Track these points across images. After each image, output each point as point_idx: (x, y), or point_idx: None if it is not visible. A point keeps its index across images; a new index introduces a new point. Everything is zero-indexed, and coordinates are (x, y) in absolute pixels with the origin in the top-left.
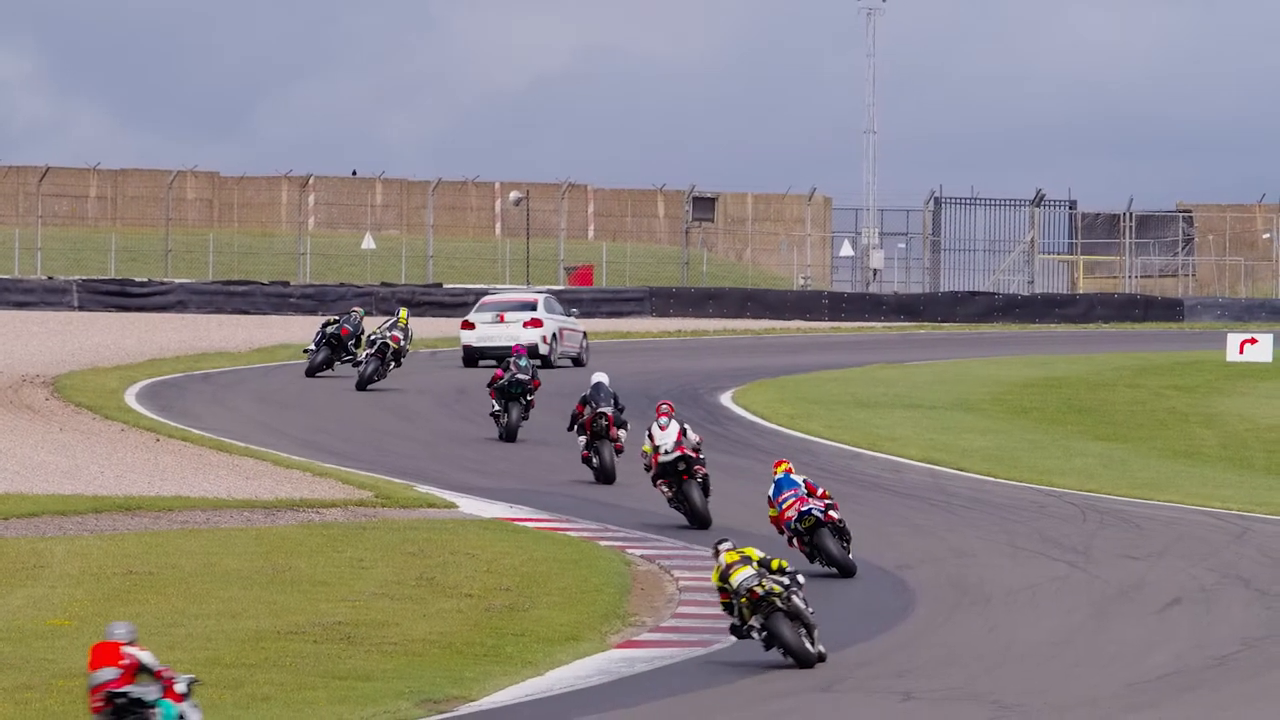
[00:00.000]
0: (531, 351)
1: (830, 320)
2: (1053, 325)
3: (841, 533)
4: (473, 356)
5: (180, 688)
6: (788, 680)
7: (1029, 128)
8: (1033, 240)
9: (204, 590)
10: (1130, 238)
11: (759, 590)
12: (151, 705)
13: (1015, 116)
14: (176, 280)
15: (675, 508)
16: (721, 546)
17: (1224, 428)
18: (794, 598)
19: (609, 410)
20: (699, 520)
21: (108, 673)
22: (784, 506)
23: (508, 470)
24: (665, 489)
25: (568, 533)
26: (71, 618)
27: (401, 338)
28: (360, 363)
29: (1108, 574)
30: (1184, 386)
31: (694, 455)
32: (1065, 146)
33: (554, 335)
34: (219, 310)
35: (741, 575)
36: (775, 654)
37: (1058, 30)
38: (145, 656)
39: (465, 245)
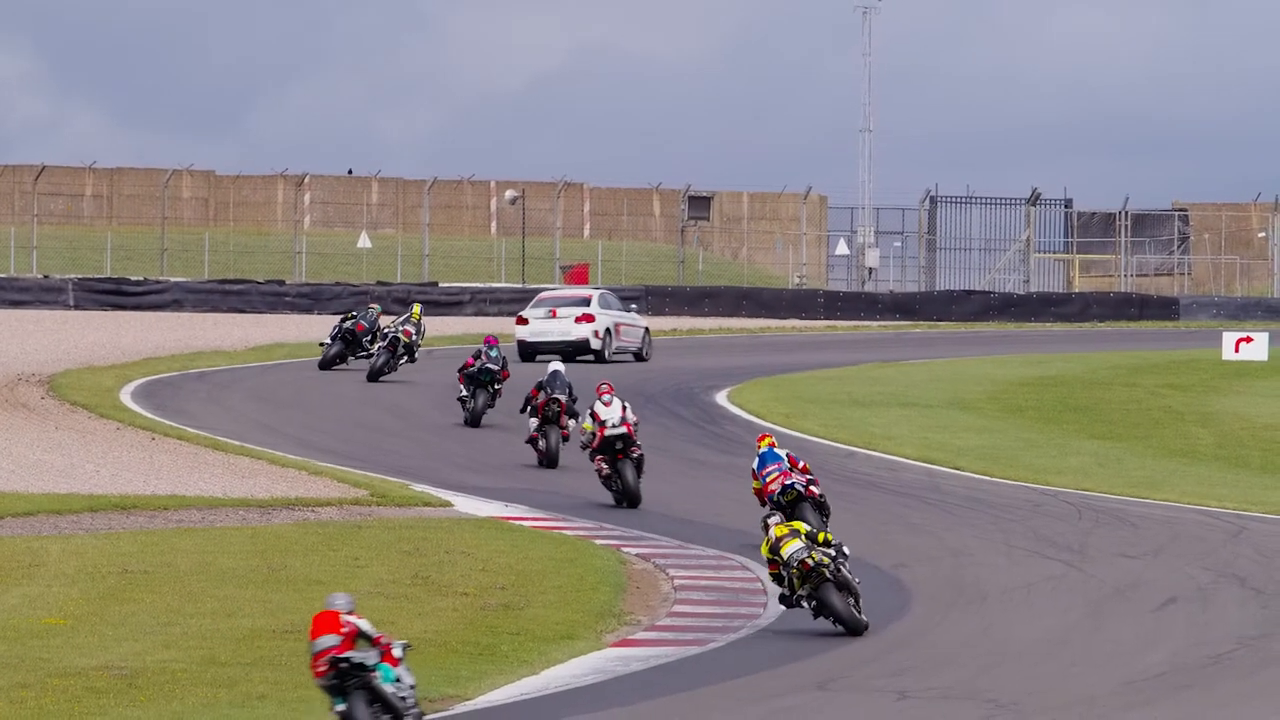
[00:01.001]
0: (582, 346)
1: (826, 319)
2: (1048, 324)
3: (821, 507)
4: (527, 351)
5: (397, 652)
6: (783, 679)
7: (1025, 127)
8: (1028, 239)
9: (199, 589)
10: (1126, 236)
11: (810, 562)
12: (372, 669)
13: (1011, 115)
14: (172, 279)
15: (607, 485)
16: (770, 521)
17: (1220, 426)
18: (841, 569)
19: (563, 398)
20: (630, 498)
21: (329, 639)
22: (768, 480)
23: (503, 469)
24: (603, 465)
25: (563, 531)
26: (67, 617)
27: (414, 332)
28: (372, 355)
29: (1103, 573)
30: (1180, 385)
31: (631, 434)
32: (1061, 145)
33: (608, 330)
34: (215, 309)
35: (792, 548)
36: (825, 623)
37: (1054, 29)
38: (363, 624)
39: (461, 244)
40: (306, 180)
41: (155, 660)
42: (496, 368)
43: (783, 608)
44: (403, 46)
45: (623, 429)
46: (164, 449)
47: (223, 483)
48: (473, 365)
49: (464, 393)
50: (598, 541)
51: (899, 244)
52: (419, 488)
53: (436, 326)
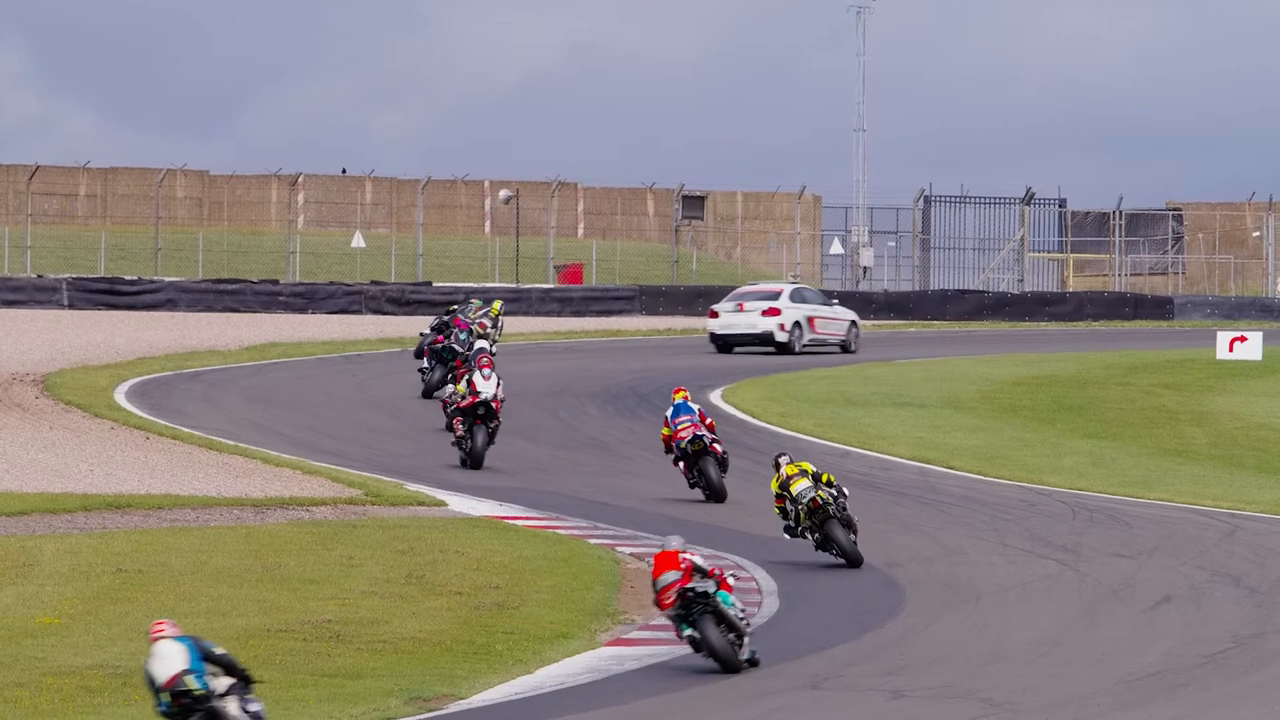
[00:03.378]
0: (768, 339)
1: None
2: (1043, 323)
3: (723, 463)
4: (720, 343)
5: (731, 581)
6: (778, 678)
7: (1019, 126)
8: (1023, 238)
9: (194, 588)
10: (1120, 236)
11: (819, 499)
12: (714, 595)
13: (1005, 115)
14: (166, 279)
15: (459, 445)
16: (781, 460)
17: (1214, 426)
18: (845, 507)
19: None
20: (475, 460)
21: (672, 575)
22: (679, 428)
23: (497, 469)
24: (459, 428)
25: (557, 531)
26: (61, 616)
27: (489, 326)
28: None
29: (1098, 572)
30: (1174, 384)
31: (495, 407)
32: (1055, 145)
33: (795, 324)
34: (209, 309)
35: (801, 486)
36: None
37: (1047, 29)
38: (697, 559)
39: (455, 244)
40: (300, 180)
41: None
42: (460, 349)
43: (774, 606)
44: (396, 46)
45: (488, 397)
46: (158, 448)
47: (217, 482)
48: (441, 343)
49: (425, 365)
50: (592, 541)
51: (893, 243)
52: (413, 487)
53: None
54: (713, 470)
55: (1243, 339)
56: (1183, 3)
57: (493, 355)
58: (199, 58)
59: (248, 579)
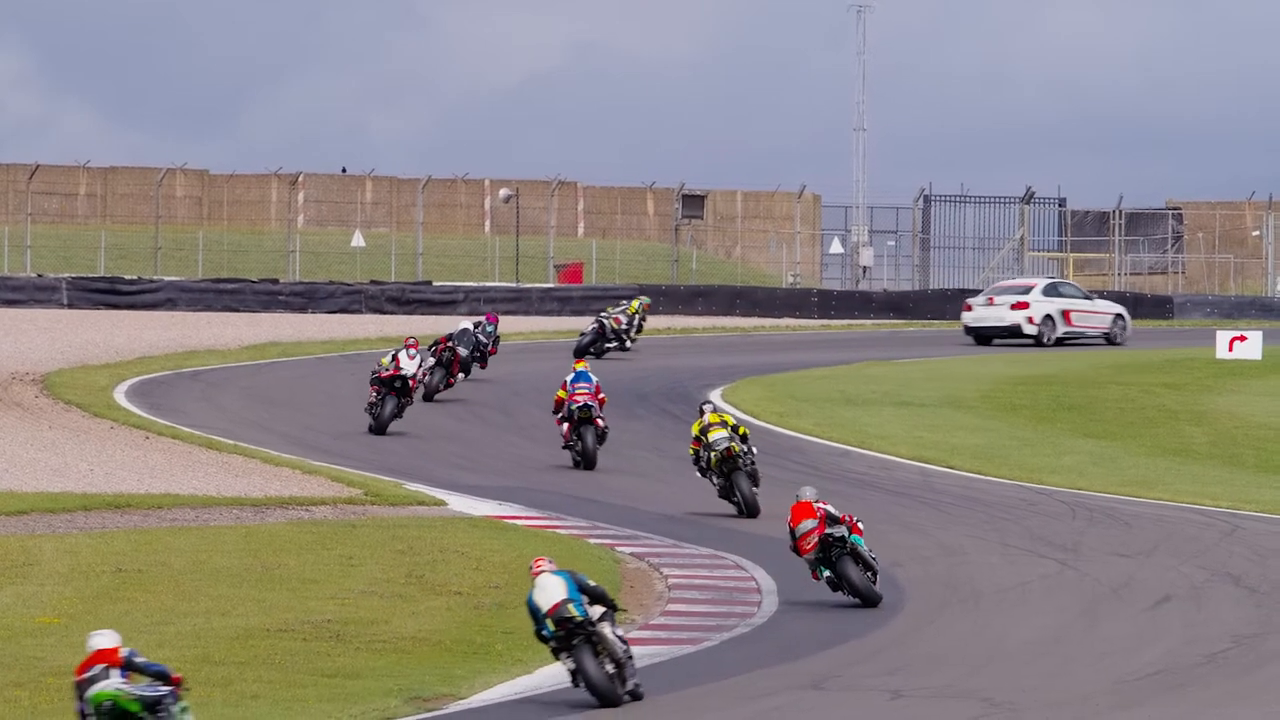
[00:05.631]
0: (1016, 331)
1: (820, 318)
2: None
3: (601, 436)
4: (975, 336)
5: (861, 525)
6: (777, 678)
7: (1018, 125)
8: (1022, 238)
9: (193, 588)
10: (1120, 235)
11: (734, 449)
12: (848, 539)
13: (1005, 114)
14: (166, 278)
15: (370, 411)
16: (705, 408)
17: (1214, 425)
18: (754, 462)
19: (461, 350)
20: (379, 427)
21: (809, 523)
22: (575, 393)
23: (497, 468)
24: (373, 396)
25: (557, 530)
26: (60, 615)
27: (624, 321)
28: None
29: (1098, 571)
30: (1174, 384)
31: (413, 384)
32: (1055, 144)
33: (1046, 317)
34: (208, 308)
35: (718, 435)
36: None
37: (1047, 28)
38: (830, 508)
39: (455, 243)
40: (300, 179)
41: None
42: (464, 353)
43: (774, 606)
44: (396, 45)
45: (412, 375)
46: (158, 448)
47: (216, 481)
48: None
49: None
50: (591, 540)
51: (893, 243)
52: (413, 486)
53: (430, 326)
54: (590, 438)
55: (1242, 338)
56: (1183, 2)
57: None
58: (199, 57)
59: (247, 578)
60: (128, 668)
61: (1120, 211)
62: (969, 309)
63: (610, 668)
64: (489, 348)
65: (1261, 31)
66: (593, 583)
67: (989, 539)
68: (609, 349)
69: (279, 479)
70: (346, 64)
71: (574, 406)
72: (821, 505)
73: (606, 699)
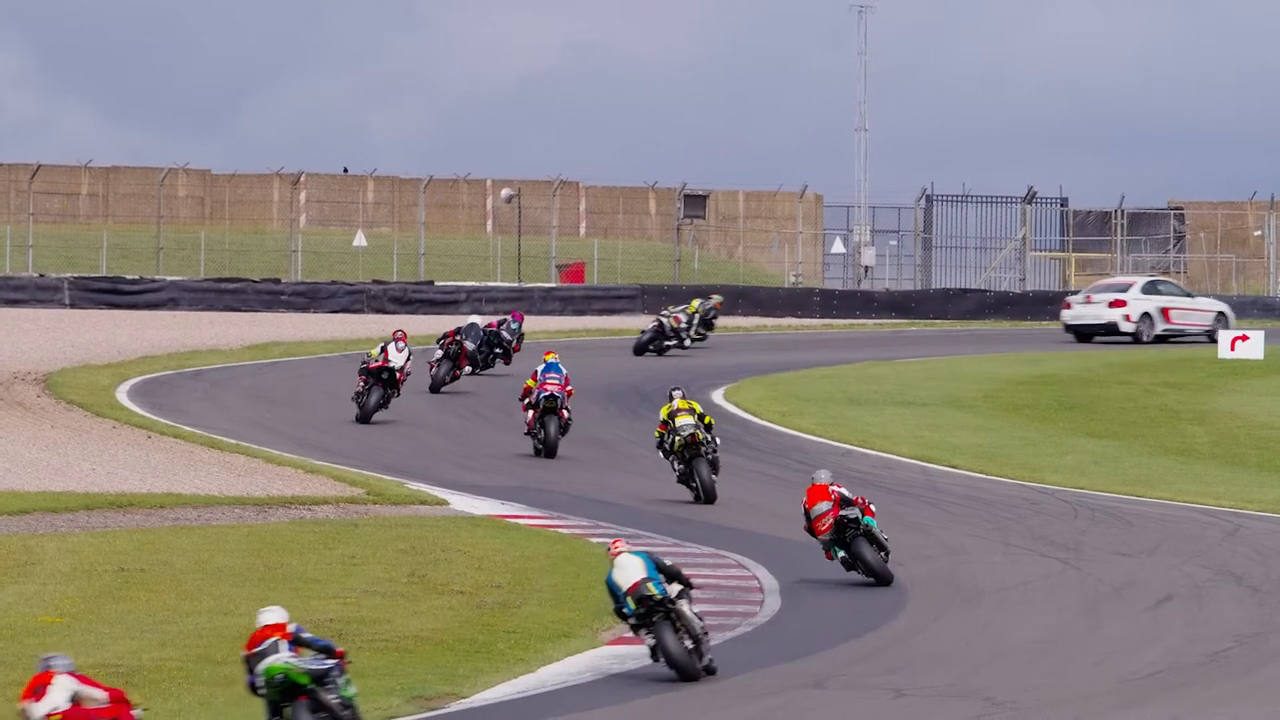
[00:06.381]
0: (1112, 328)
1: (822, 317)
2: (1044, 322)
3: (565, 426)
4: (1075, 333)
5: (874, 508)
6: (779, 678)
7: (1020, 125)
8: (1024, 237)
9: (196, 587)
10: (1122, 235)
11: (698, 436)
12: (862, 520)
13: (1006, 114)
14: (168, 277)
15: (357, 400)
16: (675, 393)
17: (1215, 425)
18: (716, 450)
19: (468, 344)
20: (364, 416)
21: (824, 504)
22: (545, 382)
23: (499, 467)
24: (360, 386)
25: (558, 529)
26: (63, 615)
27: (683, 319)
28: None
29: (1099, 571)
30: (1175, 383)
31: (400, 377)
32: (1057, 144)
33: (1144, 314)
34: (210, 307)
35: (684, 420)
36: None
37: (1049, 28)
38: (844, 490)
39: (457, 242)
40: (302, 179)
41: (152, 658)
42: (472, 346)
43: (776, 605)
44: (397, 45)
45: (395, 366)
46: (160, 447)
47: (219, 481)
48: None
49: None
50: (594, 539)
51: (895, 242)
52: (415, 486)
53: (432, 326)
54: (553, 427)
55: (1244, 338)
56: (1183, 2)
57: (693, 341)
58: (201, 57)
59: (250, 578)
60: (295, 642)
61: (1122, 211)
62: (1068, 306)
63: (688, 643)
64: (513, 344)
65: (1262, 31)
66: (668, 562)
67: (991, 538)
68: (669, 347)
69: (281, 478)
70: (348, 64)
71: (541, 395)
72: (836, 488)
73: (685, 673)
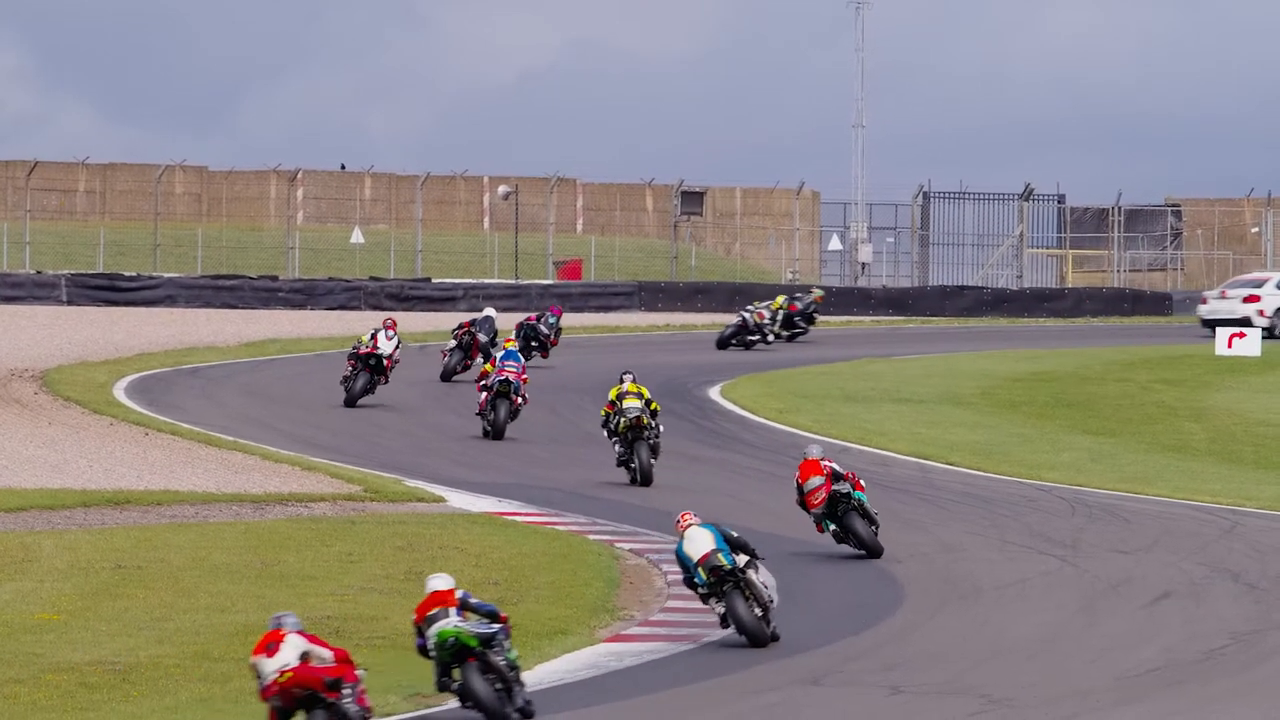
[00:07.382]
0: (1245, 322)
1: (819, 314)
2: (1041, 319)
3: (515, 413)
4: (1208, 326)
5: (863, 483)
6: (776, 674)
7: (1017, 122)
8: (1021, 234)
9: (193, 584)
10: (1119, 232)
11: (642, 419)
12: (853, 495)
13: (1004, 111)
14: (165, 274)
15: (344, 383)
16: (626, 376)
17: (1213, 422)
18: (658, 435)
19: (481, 335)
20: (350, 400)
21: (817, 479)
22: (503, 367)
23: (496, 464)
24: (348, 370)
25: (556, 527)
26: (60, 612)
27: (766, 316)
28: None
29: (1097, 568)
30: (1173, 380)
31: (388, 364)
32: (1054, 141)
33: (1277, 310)
34: (207, 304)
35: (631, 404)
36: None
37: (1046, 25)
38: (835, 465)
39: (454, 239)
40: (299, 176)
41: (148, 655)
42: (382, 353)
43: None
44: (394, 41)
45: (383, 354)
46: (157, 444)
47: (216, 478)
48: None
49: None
50: (591, 537)
51: (892, 239)
52: (412, 483)
53: (430, 322)
54: (503, 410)
55: (1241, 335)
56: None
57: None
58: (198, 54)
59: (247, 575)
60: (463, 607)
61: (1119, 208)
62: (1204, 302)
63: (757, 610)
64: (550, 338)
65: (1261, 30)
66: (735, 534)
67: (988, 535)
68: (752, 342)
69: (278, 475)
70: (345, 61)
71: (497, 379)
72: (827, 463)
73: (755, 638)
